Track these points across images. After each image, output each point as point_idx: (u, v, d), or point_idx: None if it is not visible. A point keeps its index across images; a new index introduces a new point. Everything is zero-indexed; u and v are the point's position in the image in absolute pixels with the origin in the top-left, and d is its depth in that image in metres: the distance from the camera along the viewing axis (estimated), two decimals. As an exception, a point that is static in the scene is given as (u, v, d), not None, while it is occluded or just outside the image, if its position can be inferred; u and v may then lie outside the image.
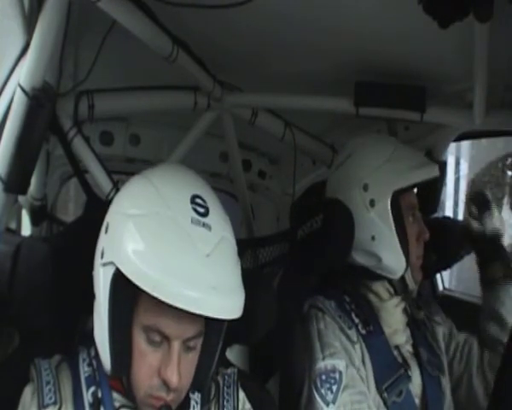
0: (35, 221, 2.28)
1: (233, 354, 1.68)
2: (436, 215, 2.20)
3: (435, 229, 1.80)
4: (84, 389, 1.18)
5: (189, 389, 1.23)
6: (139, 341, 1.13)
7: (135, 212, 1.13)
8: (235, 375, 1.36)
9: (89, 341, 1.23)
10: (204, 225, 1.13)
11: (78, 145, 1.81)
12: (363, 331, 1.68)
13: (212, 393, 1.33)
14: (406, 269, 1.70)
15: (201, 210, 1.14)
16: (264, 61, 1.89)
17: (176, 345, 1.12)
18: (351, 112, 1.95)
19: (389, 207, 1.68)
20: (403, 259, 1.69)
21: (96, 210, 1.46)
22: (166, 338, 1.13)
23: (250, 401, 1.38)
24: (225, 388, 1.33)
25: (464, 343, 1.85)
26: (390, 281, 1.73)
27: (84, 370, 1.21)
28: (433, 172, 1.75)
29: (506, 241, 1.85)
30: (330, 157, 2.32)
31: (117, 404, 1.20)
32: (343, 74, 1.87)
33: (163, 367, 1.12)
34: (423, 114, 1.89)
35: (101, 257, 1.15)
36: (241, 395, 1.36)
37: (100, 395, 1.18)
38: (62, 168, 2.56)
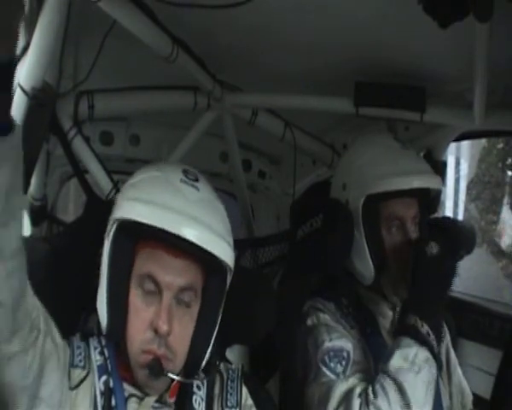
0: (35, 221, 2.27)
1: (233, 354, 1.68)
2: (436, 215, 2.20)
3: (435, 229, 1.80)
4: (96, 376, 1.20)
5: (188, 367, 1.23)
6: (134, 298, 1.19)
7: (133, 180, 1.26)
8: (240, 371, 1.37)
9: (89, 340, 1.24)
10: (193, 186, 1.23)
11: (78, 145, 1.81)
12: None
13: (217, 388, 1.34)
14: (377, 279, 1.66)
15: (191, 177, 1.25)
16: (265, 60, 1.89)
17: (167, 295, 1.17)
18: (351, 112, 1.96)
19: (360, 211, 1.63)
20: (371, 267, 1.64)
21: (96, 210, 1.47)
22: (160, 291, 1.17)
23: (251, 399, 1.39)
24: (229, 381, 1.35)
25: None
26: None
27: (96, 358, 1.22)
28: (413, 182, 1.62)
29: (506, 241, 1.84)
30: (330, 157, 2.32)
31: (126, 394, 1.21)
32: (343, 74, 1.87)
33: (155, 319, 1.16)
34: (423, 114, 1.89)
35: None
36: (244, 390, 1.37)
37: (111, 384, 1.19)
38: (62, 168, 2.56)
